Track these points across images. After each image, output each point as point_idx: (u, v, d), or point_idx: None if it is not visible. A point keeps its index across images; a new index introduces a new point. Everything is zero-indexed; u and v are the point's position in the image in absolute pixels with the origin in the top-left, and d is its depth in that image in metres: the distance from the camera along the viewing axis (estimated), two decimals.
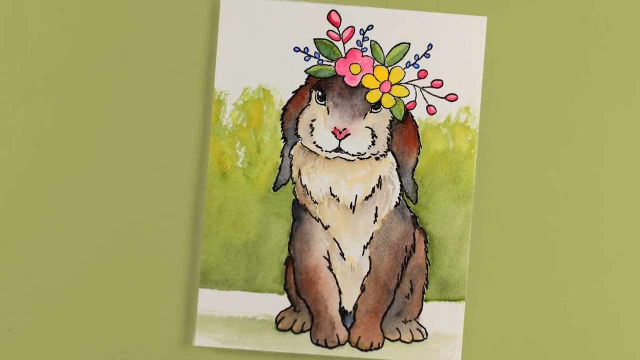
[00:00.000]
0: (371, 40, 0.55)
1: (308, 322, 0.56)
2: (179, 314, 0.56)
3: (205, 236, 0.55)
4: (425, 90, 0.56)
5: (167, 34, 0.56)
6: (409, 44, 0.55)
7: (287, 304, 0.56)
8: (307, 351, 0.55)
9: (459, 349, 0.55)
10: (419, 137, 0.56)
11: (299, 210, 0.56)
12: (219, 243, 0.56)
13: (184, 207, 0.56)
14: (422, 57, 0.55)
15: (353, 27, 0.55)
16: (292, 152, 0.56)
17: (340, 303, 0.56)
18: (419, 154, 0.56)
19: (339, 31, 0.55)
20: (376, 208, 0.56)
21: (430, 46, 0.55)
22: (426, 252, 0.56)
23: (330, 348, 0.56)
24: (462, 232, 0.55)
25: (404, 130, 0.56)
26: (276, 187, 0.56)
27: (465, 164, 0.56)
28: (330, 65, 0.55)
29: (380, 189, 0.55)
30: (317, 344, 0.56)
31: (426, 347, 0.56)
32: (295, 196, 0.56)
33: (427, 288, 0.56)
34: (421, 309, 0.56)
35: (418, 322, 0.56)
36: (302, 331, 0.56)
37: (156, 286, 0.56)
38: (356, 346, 0.56)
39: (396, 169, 0.56)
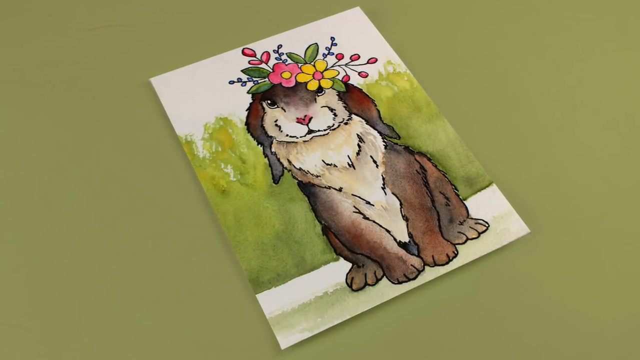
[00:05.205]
0: (286, 53, 0.63)
1: (379, 270, 0.51)
2: (252, 330, 0.49)
3: (235, 247, 0.52)
4: (349, 67, 0.63)
5: (124, 119, 0.59)
6: (316, 43, 0.64)
7: (348, 265, 0.52)
8: (394, 294, 0.50)
9: (519, 219, 0.54)
10: (367, 95, 0.61)
11: (307, 188, 0.55)
12: (252, 247, 0.52)
13: (206, 234, 0.53)
14: (331, 47, 0.64)
15: (267, 51, 0.64)
16: (273, 149, 0.57)
17: (395, 239, 0.53)
18: (376, 106, 0.61)
19: (257, 58, 0.63)
20: (371, 157, 0.57)
21: (333, 38, 0.65)
22: (435, 166, 0.57)
23: (414, 279, 0.51)
24: (452, 139, 0.58)
25: (353, 96, 0.61)
26: (276, 180, 0.56)
27: (416, 95, 0.61)
28: (265, 81, 0.61)
29: (364, 142, 0.58)
30: (399, 283, 0.51)
31: (495, 232, 0.53)
32: (297, 178, 0.56)
33: (458, 190, 0.56)
34: (466, 207, 0.55)
35: (473, 218, 0.54)
36: (378, 281, 0.51)
37: (218, 314, 0.49)
38: (435, 264, 0.52)
39: (366, 123, 0.59)
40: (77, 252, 0.52)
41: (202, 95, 0.60)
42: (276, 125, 0.58)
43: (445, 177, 0.56)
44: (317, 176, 0.56)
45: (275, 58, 0.63)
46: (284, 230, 0.53)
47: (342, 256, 0.52)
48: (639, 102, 0.61)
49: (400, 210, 0.54)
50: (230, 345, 0.48)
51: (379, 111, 0.60)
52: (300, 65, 0.63)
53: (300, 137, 0.58)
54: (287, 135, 0.58)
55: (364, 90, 0.61)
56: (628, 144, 0.59)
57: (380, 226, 0.54)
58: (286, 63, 0.63)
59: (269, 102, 0.60)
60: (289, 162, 0.57)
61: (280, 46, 0.64)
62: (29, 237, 0.53)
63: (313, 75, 0.62)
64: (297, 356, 0.48)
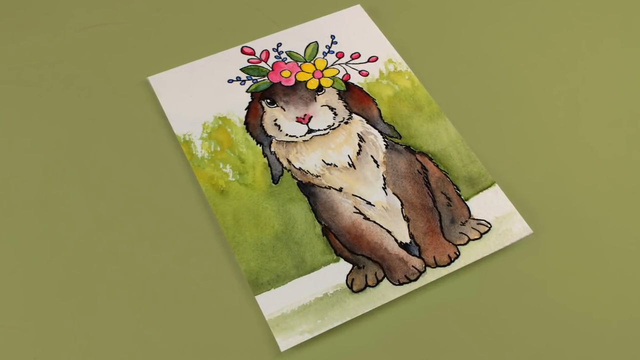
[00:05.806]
0: (285, 52, 0.63)
1: (379, 271, 0.51)
2: (251, 332, 0.48)
3: (234, 248, 0.51)
4: (349, 65, 0.62)
5: (125, 119, 0.59)
6: (316, 41, 0.64)
7: (349, 266, 0.51)
8: (395, 295, 0.49)
9: (522, 219, 0.53)
10: (368, 94, 0.60)
11: (307, 188, 0.55)
12: (251, 248, 0.51)
13: (205, 235, 0.52)
14: (332, 45, 0.63)
15: (266, 49, 0.63)
16: (272, 149, 0.57)
17: (396, 240, 0.52)
18: (377, 105, 0.60)
19: (257, 56, 0.62)
20: (372, 156, 0.57)
21: (333, 37, 0.64)
22: (437, 165, 0.56)
23: (415, 280, 0.50)
24: (453, 138, 0.58)
25: (354, 95, 0.60)
26: (275, 181, 0.55)
27: (417, 94, 0.60)
28: (264, 79, 0.61)
29: (365, 141, 0.57)
30: (400, 284, 0.50)
31: (498, 233, 0.53)
32: (297, 178, 0.55)
33: (460, 190, 0.55)
34: (468, 208, 0.54)
35: (475, 219, 0.53)
36: (379, 282, 0.50)
37: (217, 316, 0.49)
38: (436, 265, 0.51)
39: (367, 122, 0.59)
40: (75, 252, 0.52)
41: (200, 94, 0.60)
42: (276, 124, 0.58)
43: (447, 177, 0.56)
44: (317, 176, 0.55)
45: (275, 56, 0.62)
46: (283, 230, 0.52)
47: (342, 257, 0.51)
48: None
49: (401, 211, 0.54)
50: (229, 348, 0.48)
51: (379, 110, 0.59)
52: (300, 63, 0.62)
53: (300, 136, 0.57)
54: (286, 134, 0.57)
55: (364, 89, 0.61)
56: (632, 144, 0.58)
57: (381, 227, 0.53)
58: (286, 62, 0.62)
59: (268, 101, 0.59)
60: (289, 161, 0.56)
61: (279, 44, 0.63)
62: (25, 237, 0.52)
63: (313, 74, 0.61)
64: (296, 358, 0.47)
